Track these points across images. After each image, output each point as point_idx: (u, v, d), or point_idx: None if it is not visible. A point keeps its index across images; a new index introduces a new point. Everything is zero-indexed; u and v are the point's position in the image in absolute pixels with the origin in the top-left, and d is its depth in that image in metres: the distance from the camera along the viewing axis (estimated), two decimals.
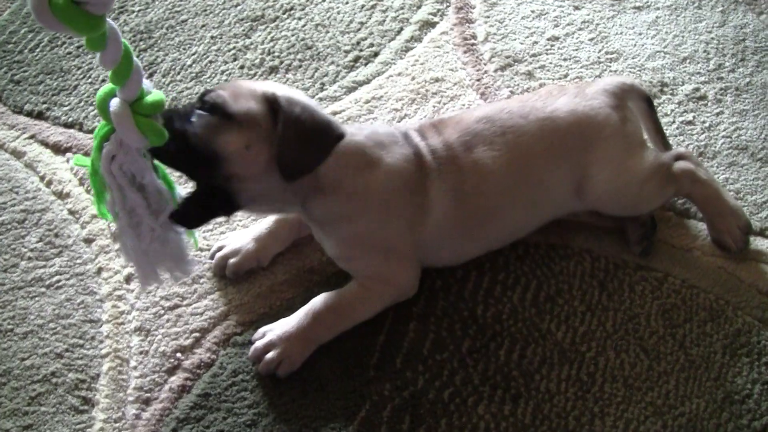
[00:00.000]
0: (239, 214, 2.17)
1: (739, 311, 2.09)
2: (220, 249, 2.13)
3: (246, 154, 1.80)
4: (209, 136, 1.78)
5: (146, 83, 1.67)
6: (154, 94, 1.68)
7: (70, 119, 2.44)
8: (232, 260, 2.10)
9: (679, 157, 2.22)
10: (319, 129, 1.84)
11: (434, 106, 2.48)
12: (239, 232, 2.15)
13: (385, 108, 2.48)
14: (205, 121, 1.80)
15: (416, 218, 1.97)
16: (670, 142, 2.34)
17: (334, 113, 2.46)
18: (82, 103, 2.47)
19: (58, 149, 2.38)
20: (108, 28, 1.56)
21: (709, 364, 2.01)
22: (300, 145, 1.81)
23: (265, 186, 1.85)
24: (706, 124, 2.47)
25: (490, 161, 2.01)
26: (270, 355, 1.93)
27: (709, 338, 2.05)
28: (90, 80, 2.53)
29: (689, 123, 2.47)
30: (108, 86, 1.66)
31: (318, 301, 1.97)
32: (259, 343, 1.95)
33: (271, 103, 1.82)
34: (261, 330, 1.97)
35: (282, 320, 1.96)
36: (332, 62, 2.61)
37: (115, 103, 1.64)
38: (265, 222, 2.14)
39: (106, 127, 1.68)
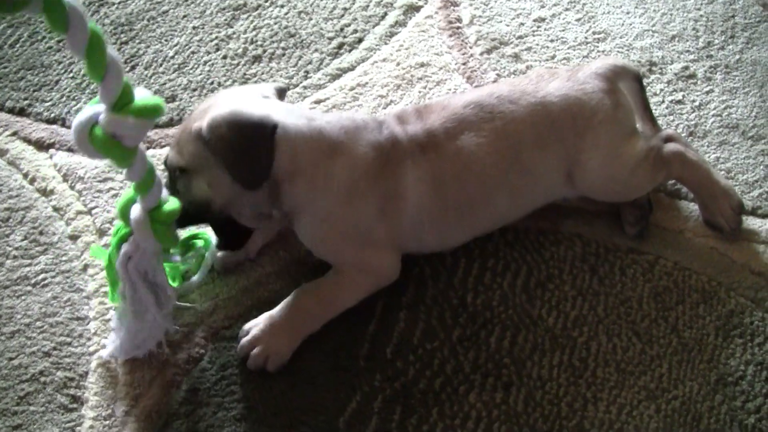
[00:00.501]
0: None
1: (732, 292, 2.08)
2: None
3: (215, 191, 1.88)
4: (187, 196, 1.90)
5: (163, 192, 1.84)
6: (171, 203, 1.83)
7: (53, 115, 2.42)
8: (219, 254, 2.09)
9: (668, 139, 2.20)
10: (251, 133, 1.83)
11: (420, 92, 2.46)
12: None
13: (370, 95, 2.46)
14: (179, 184, 1.91)
15: (389, 205, 1.94)
16: (660, 122, 2.33)
17: (319, 101, 2.44)
18: (64, 99, 2.44)
19: (41, 146, 2.35)
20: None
21: (702, 347, 2.00)
22: (242, 157, 1.83)
23: (248, 199, 1.90)
24: (696, 103, 2.45)
25: (475, 148, 1.98)
26: (257, 350, 1.92)
27: (701, 320, 2.04)
28: (71, 75, 2.50)
29: (679, 102, 2.45)
30: (129, 193, 1.82)
31: (300, 291, 1.96)
32: (245, 340, 1.93)
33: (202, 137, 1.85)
34: (246, 326, 1.95)
35: (266, 314, 1.95)
36: (316, 50, 2.58)
37: (135, 211, 1.80)
38: None
39: (125, 229, 1.85)
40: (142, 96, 1.68)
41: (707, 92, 2.48)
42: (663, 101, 2.44)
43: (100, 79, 1.60)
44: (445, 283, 2.07)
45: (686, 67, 2.53)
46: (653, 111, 2.29)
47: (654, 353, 1.98)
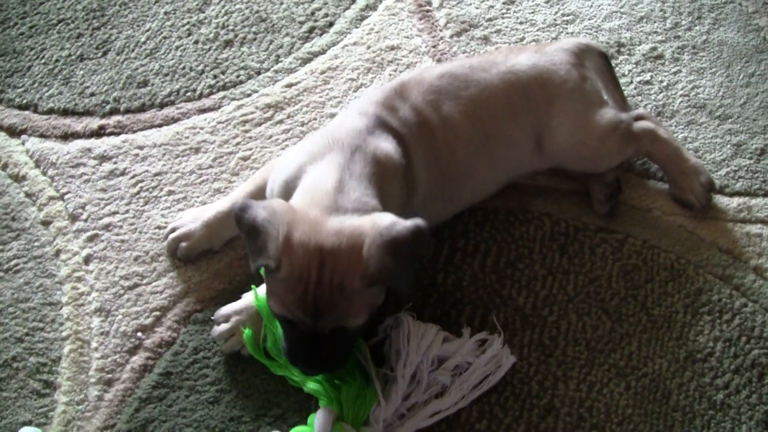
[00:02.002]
0: (197, 192, 2.20)
1: (700, 269, 2.10)
2: (174, 230, 2.09)
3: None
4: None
5: None
6: None
7: (25, 101, 2.41)
8: (183, 244, 2.07)
9: (640, 117, 2.23)
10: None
11: (390, 75, 2.46)
12: (193, 212, 2.13)
13: (341, 78, 2.46)
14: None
15: (408, 196, 1.91)
16: (629, 102, 2.34)
17: (290, 85, 2.44)
18: (36, 85, 2.43)
19: (13, 132, 2.35)
20: None
21: (671, 324, 2.02)
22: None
23: None
24: (664, 84, 2.46)
25: (458, 116, 2.00)
26: (237, 336, 1.91)
27: (670, 298, 2.06)
28: (43, 61, 2.49)
29: (647, 83, 2.46)
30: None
31: None
32: (224, 326, 1.93)
33: None
34: (223, 311, 1.95)
35: (242, 301, 1.95)
36: (287, 34, 2.58)
37: None
38: (218, 205, 2.10)
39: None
40: None
41: (675, 73, 2.49)
42: (631, 82, 2.45)
43: None
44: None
45: (654, 48, 2.55)
46: (621, 87, 2.32)
47: (623, 331, 2.00)
